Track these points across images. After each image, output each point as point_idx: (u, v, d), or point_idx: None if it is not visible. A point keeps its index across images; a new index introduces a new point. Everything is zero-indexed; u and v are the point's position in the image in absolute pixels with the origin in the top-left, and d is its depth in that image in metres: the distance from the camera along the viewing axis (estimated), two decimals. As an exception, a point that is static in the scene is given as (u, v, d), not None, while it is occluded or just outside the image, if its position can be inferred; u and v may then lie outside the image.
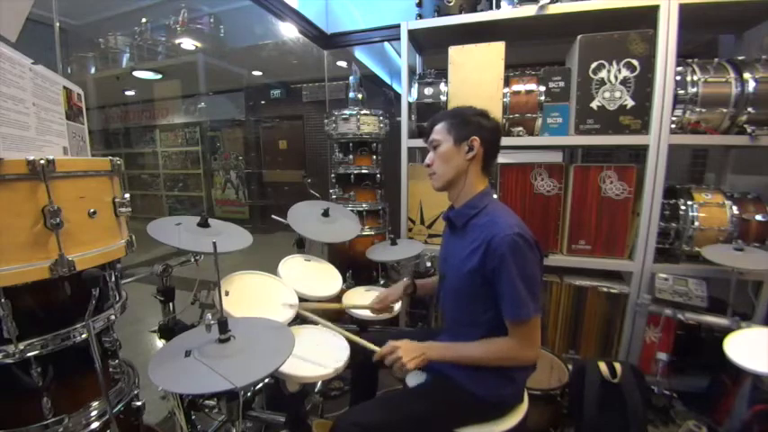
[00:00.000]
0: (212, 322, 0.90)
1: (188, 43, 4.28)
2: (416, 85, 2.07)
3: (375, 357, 1.09)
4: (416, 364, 1.04)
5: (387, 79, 4.50)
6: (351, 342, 1.22)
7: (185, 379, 0.81)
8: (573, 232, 1.90)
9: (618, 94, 1.73)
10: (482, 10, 2.01)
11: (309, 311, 1.32)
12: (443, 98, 2.01)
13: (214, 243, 0.95)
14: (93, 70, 4.87)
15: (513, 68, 1.97)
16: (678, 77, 1.68)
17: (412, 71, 2.25)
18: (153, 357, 0.88)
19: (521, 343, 1.01)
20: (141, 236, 1.11)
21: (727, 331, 1.26)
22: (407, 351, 1.05)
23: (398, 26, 2.07)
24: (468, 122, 1.10)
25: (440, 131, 1.13)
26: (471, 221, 1.09)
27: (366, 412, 1.06)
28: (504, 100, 1.91)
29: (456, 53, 1.92)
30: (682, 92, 1.69)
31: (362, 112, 2.25)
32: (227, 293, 1.29)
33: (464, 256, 1.07)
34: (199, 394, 1.23)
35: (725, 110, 1.65)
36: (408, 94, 2.10)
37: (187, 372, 0.83)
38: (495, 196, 1.16)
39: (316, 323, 1.31)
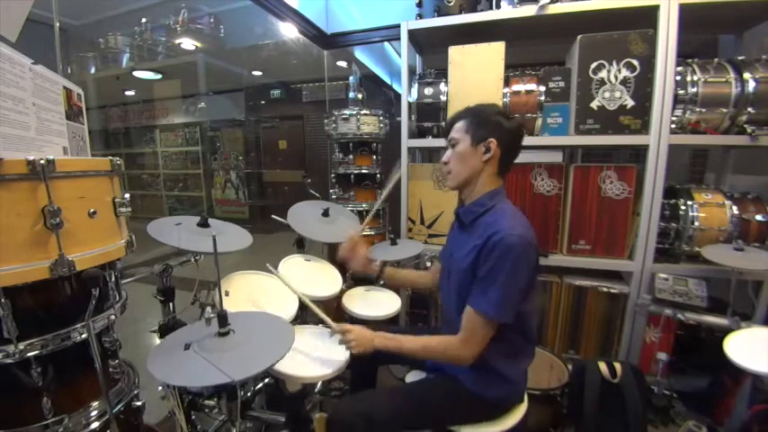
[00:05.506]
0: (212, 316, 0.90)
1: (188, 43, 4.28)
2: (416, 85, 2.07)
3: (330, 332, 1.15)
4: (360, 351, 1.08)
5: (387, 79, 4.49)
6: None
7: (183, 372, 0.81)
8: (573, 232, 1.89)
9: (618, 94, 1.73)
10: (482, 10, 2.01)
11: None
12: (443, 98, 2.00)
13: (213, 237, 0.95)
14: (93, 70, 4.86)
15: (513, 68, 1.97)
16: (678, 77, 1.68)
17: (412, 71, 2.25)
18: (152, 350, 0.88)
19: (463, 339, 1.00)
20: (141, 236, 1.11)
21: (727, 331, 1.26)
22: (358, 336, 1.09)
23: (398, 26, 2.07)
24: (487, 122, 1.09)
25: (459, 129, 1.12)
26: (478, 219, 1.09)
27: (370, 402, 1.07)
28: (504, 100, 1.90)
29: (456, 53, 1.92)
30: (682, 92, 1.69)
31: (362, 112, 2.25)
32: (227, 293, 1.29)
33: (466, 252, 1.07)
34: (197, 389, 1.23)
35: (725, 110, 1.65)
36: (408, 94, 2.10)
37: (185, 365, 0.83)
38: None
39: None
